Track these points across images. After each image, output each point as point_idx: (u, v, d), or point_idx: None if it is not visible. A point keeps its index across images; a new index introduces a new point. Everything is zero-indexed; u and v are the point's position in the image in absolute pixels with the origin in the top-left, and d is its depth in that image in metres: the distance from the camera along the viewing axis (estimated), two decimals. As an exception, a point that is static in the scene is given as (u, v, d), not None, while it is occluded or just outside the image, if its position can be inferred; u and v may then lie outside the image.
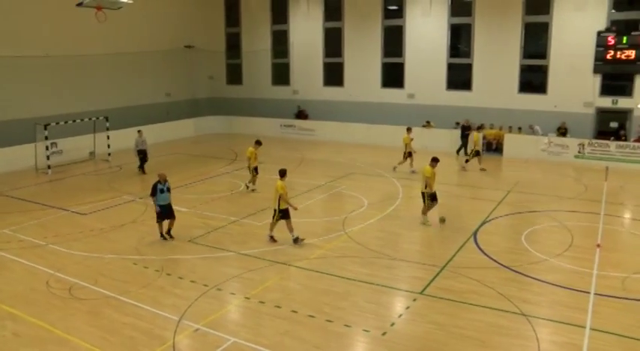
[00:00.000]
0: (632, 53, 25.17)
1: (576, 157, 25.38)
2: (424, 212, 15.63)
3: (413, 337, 9.45)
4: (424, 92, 30.00)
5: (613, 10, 25.82)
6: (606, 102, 26.49)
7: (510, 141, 26.95)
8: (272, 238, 14.17)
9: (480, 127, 26.24)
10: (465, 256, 13.18)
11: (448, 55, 29.54)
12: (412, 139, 22.69)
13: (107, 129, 25.96)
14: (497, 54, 28.18)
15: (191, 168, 21.69)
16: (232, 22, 36.01)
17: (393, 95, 30.90)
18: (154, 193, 14.17)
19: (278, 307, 10.52)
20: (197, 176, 21.89)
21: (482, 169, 23.09)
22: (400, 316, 10.22)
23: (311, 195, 19.09)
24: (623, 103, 26.14)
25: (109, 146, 25.87)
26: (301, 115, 33.42)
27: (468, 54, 29.16)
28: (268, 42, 34.73)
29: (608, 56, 25.66)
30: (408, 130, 23.41)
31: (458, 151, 26.91)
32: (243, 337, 9.39)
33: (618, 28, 25.60)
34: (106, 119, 25.84)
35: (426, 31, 29.72)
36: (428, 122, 29.13)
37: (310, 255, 13.24)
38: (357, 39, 31.66)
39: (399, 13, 30.39)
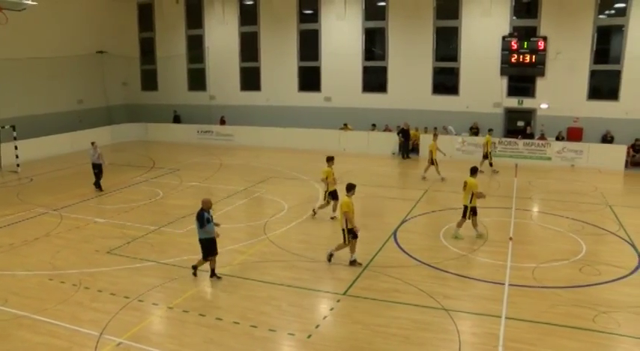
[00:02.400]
0: (532, 57, 26.81)
1: (488, 155, 26.51)
2: (459, 225, 14.59)
3: (338, 338, 9.58)
4: (341, 95, 30.57)
5: (514, 17, 27.29)
6: (513, 102, 27.99)
7: (426, 141, 27.74)
8: (355, 262, 12.71)
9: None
10: (385, 255, 13.48)
11: (363, 59, 30.21)
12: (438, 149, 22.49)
13: (15, 138, 24.63)
14: (411, 57, 29.10)
15: (108, 177, 20.97)
16: (146, 27, 35.23)
17: (310, 99, 31.29)
18: (204, 224, 11.71)
19: (202, 315, 10.39)
20: (114, 185, 21.19)
21: (492, 172, 23.53)
22: (325, 317, 10.34)
23: (231, 201, 18.96)
24: (528, 103, 27.76)
25: (17, 157, 24.56)
26: (178, 119, 33.25)
27: (382, 57, 29.92)
28: (183, 47, 34.26)
29: (513, 60, 27.17)
30: (435, 136, 23.44)
31: (403, 156, 27.50)
32: (168, 348, 9.22)
33: (520, 33, 27.12)
34: (13, 128, 24.52)
35: (342, 35, 30.30)
36: (345, 125, 29.64)
37: (232, 261, 13.15)
38: (273, 43, 31.82)
39: (315, 17, 30.81)
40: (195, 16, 33.67)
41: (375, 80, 30.32)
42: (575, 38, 26.52)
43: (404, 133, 27.37)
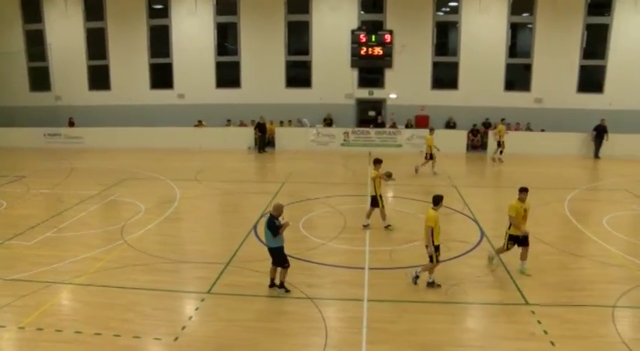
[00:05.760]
0: (379, 50, 28.03)
1: (342, 145, 27.45)
2: (498, 252, 12.19)
3: (206, 337, 9.33)
4: (194, 92, 29.90)
5: (362, 12, 28.35)
6: (364, 93, 29.11)
7: (282, 134, 28.08)
8: (434, 283, 11.18)
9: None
10: (247, 250, 13.39)
11: (216, 54, 29.75)
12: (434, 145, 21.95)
13: None
14: (264, 51, 29.17)
15: None
16: (-29, 20, 31.82)
17: (162, 96, 30.24)
18: (277, 232, 10.62)
19: (59, 331, 9.56)
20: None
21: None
22: (190, 318, 10.01)
23: (84, 206, 17.74)
24: (378, 93, 29.01)
25: None
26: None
27: (235, 52, 29.66)
28: (21, 43, 31.35)
29: (362, 52, 28.22)
30: (431, 130, 22.80)
31: (260, 150, 27.37)
32: (17, 371, 8.41)
33: (368, 27, 28.24)
34: None
35: (193, 31, 29.65)
36: (200, 122, 29.03)
37: (89, 269, 12.29)
38: (123, 40, 30.25)
39: (165, 12, 29.79)
40: (33, 9, 30.83)
41: (228, 75, 30.00)
42: (418, 32, 28.25)
43: (260, 127, 27.39)
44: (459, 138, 27.27)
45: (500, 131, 25.07)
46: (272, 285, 11.03)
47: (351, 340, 9.12)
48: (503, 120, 25.93)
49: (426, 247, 10.93)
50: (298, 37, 29.43)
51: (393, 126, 28.34)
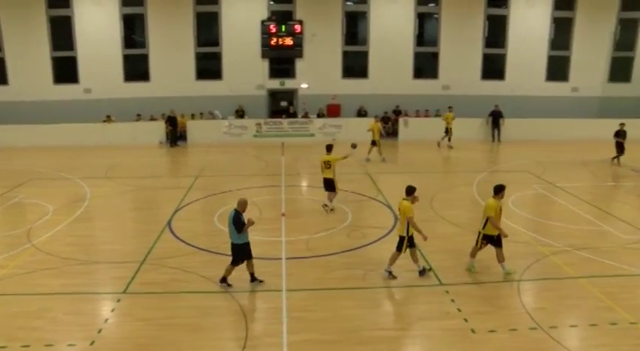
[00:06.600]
0: (290, 40, 28.07)
1: (255, 136, 27.35)
2: (473, 254, 11.58)
3: (123, 338, 9.04)
4: (101, 86, 28.57)
5: (272, 2, 28.25)
6: (275, 84, 29.08)
7: (193, 127, 27.59)
8: (391, 274, 11.09)
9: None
10: (162, 246, 13.05)
11: (123, 46, 28.61)
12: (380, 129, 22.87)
13: None
14: (173, 43, 28.46)
15: None
16: None
17: (67, 91, 28.61)
18: (241, 228, 10.39)
19: (-46, 348, 8.93)
20: None
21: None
22: (106, 320, 9.64)
23: (-17, 209, 16.73)
24: (289, 84, 29.09)
25: None
26: None
27: (143, 44, 28.70)
28: None
29: (272, 43, 28.13)
30: (376, 117, 24.20)
31: (172, 144, 26.79)
32: None
33: (277, 17, 28.18)
34: None
35: (98, 22, 28.35)
36: (108, 117, 27.96)
37: (-9, 277, 11.59)
38: (19, 31, 28.17)
39: (66, 2, 28.06)
40: None
41: (136, 69, 28.99)
42: (327, 22, 28.53)
43: (171, 121, 26.77)
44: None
45: (448, 118, 25.97)
46: (253, 280, 10.87)
47: (272, 330, 9.14)
48: (450, 107, 26.58)
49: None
50: (208, 29, 28.90)
51: (305, 116, 28.52)
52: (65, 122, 27.17)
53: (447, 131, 25.71)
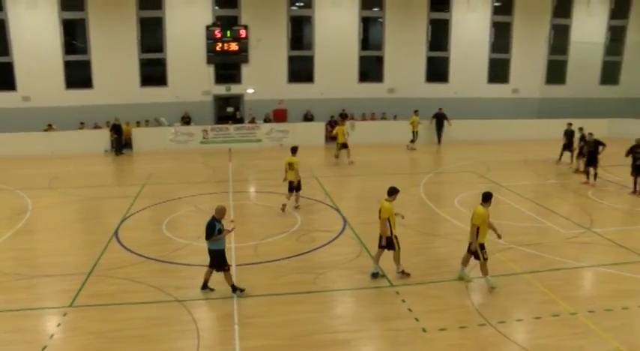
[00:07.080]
0: (235, 45, 28.01)
1: (202, 142, 27.16)
2: (464, 263, 11.30)
3: (71, 354, 8.86)
4: (41, 94, 27.56)
5: (216, 7, 28.10)
6: (221, 89, 28.96)
7: (139, 135, 27.13)
8: (404, 273, 11.32)
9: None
10: (109, 257, 12.79)
11: (64, 52, 27.81)
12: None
13: None
14: (116, 49, 27.88)
15: None
16: None
17: (4, 99, 27.47)
18: (210, 234, 10.30)
19: None
20: None
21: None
22: (52, 336, 9.36)
23: None
24: (235, 89, 29.01)
25: None
26: None
27: (85, 51, 27.98)
28: None
29: (218, 48, 27.99)
30: (341, 120, 25.27)
31: (117, 152, 26.18)
32: None
33: (222, 22, 28.07)
34: None
35: (35, 27, 27.35)
36: (49, 125, 27.11)
37: None
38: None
39: (-1, 6, 26.95)
40: None
41: (78, 76, 28.20)
42: (273, 27, 28.63)
43: (116, 129, 26.24)
44: (317, 130, 28.04)
45: (414, 122, 26.49)
46: (205, 287, 10.78)
47: (224, 338, 9.14)
48: (416, 112, 26.90)
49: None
50: (152, 34, 28.47)
51: (252, 121, 28.49)
52: (3, 131, 26.06)
53: (414, 134, 26.48)
